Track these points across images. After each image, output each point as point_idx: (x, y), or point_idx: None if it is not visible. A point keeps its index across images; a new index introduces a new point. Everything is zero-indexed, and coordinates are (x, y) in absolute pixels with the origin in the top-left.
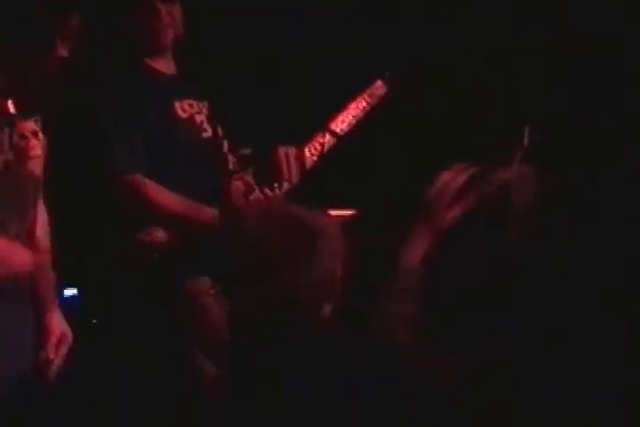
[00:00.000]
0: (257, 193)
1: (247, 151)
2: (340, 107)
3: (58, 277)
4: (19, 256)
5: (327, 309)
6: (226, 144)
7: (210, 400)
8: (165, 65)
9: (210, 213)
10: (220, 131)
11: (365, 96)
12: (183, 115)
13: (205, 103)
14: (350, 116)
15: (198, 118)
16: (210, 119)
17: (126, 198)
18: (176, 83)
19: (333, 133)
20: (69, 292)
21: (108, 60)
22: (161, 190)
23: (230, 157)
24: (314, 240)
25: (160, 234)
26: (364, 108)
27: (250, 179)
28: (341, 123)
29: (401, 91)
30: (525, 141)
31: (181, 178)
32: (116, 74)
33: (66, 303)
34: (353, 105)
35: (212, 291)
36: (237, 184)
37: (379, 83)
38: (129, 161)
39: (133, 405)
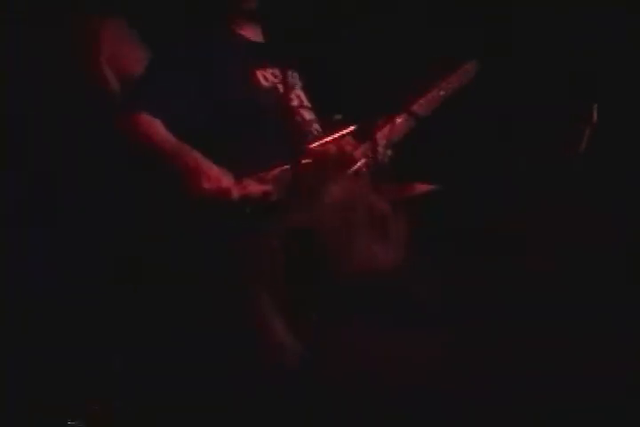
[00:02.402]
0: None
1: (338, 117)
2: (421, 90)
3: None
4: None
5: None
6: (309, 113)
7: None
8: (252, 32)
9: (196, 160)
10: (304, 100)
11: (447, 81)
12: (265, 83)
13: (295, 73)
14: (431, 101)
15: (282, 87)
16: (293, 88)
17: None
18: (262, 51)
19: (414, 115)
20: None
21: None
22: (154, 126)
23: (315, 126)
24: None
25: (254, 188)
26: (444, 93)
27: (347, 141)
28: (422, 106)
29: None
30: (594, 118)
31: (265, 145)
32: (201, 39)
33: None
34: (434, 90)
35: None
36: (330, 147)
37: (462, 68)
38: (136, 101)
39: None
